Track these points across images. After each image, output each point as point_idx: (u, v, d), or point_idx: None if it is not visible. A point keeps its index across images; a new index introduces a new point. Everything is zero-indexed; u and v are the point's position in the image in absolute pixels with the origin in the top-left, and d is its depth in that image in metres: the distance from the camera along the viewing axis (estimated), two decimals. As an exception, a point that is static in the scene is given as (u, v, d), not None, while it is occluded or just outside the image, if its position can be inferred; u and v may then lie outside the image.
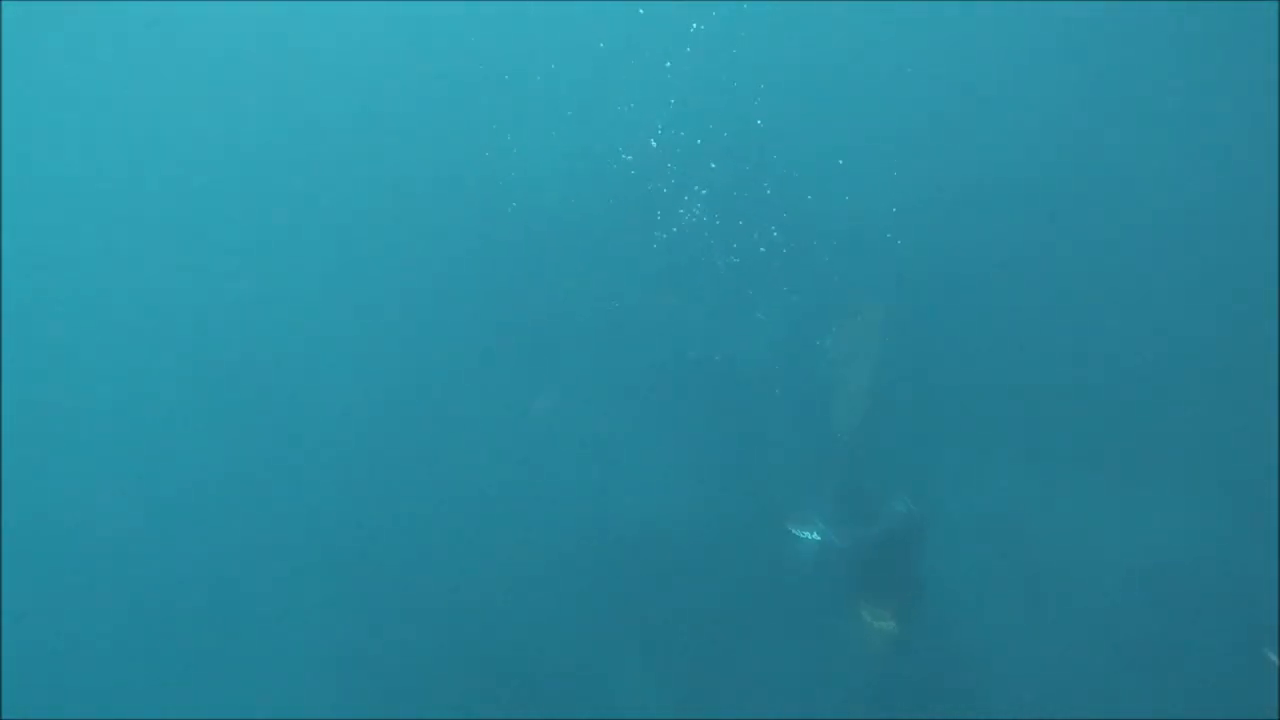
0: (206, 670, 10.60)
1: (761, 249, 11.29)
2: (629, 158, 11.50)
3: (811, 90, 11.62)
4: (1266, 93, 10.34)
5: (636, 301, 11.55)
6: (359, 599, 10.83)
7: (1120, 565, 9.92)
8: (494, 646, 10.53)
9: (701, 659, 10.32)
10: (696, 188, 11.26)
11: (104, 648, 10.78)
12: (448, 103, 12.09)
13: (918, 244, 11.22)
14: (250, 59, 11.94)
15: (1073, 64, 11.24)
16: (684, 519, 10.74)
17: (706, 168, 11.29)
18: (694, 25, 11.41)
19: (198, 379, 11.82)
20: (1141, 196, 11.06)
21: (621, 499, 10.98)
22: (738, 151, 11.35)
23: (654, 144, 11.37)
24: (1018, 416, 10.77)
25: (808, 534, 9.67)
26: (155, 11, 11.62)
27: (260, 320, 11.97)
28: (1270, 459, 9.79)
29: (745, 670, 10.17)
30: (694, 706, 10.11)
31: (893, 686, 9.76)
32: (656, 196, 11.32)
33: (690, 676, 10.25)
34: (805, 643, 10.11)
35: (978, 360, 10.87)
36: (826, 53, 11.69)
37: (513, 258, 11.80)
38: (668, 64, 11.46)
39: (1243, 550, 9.61)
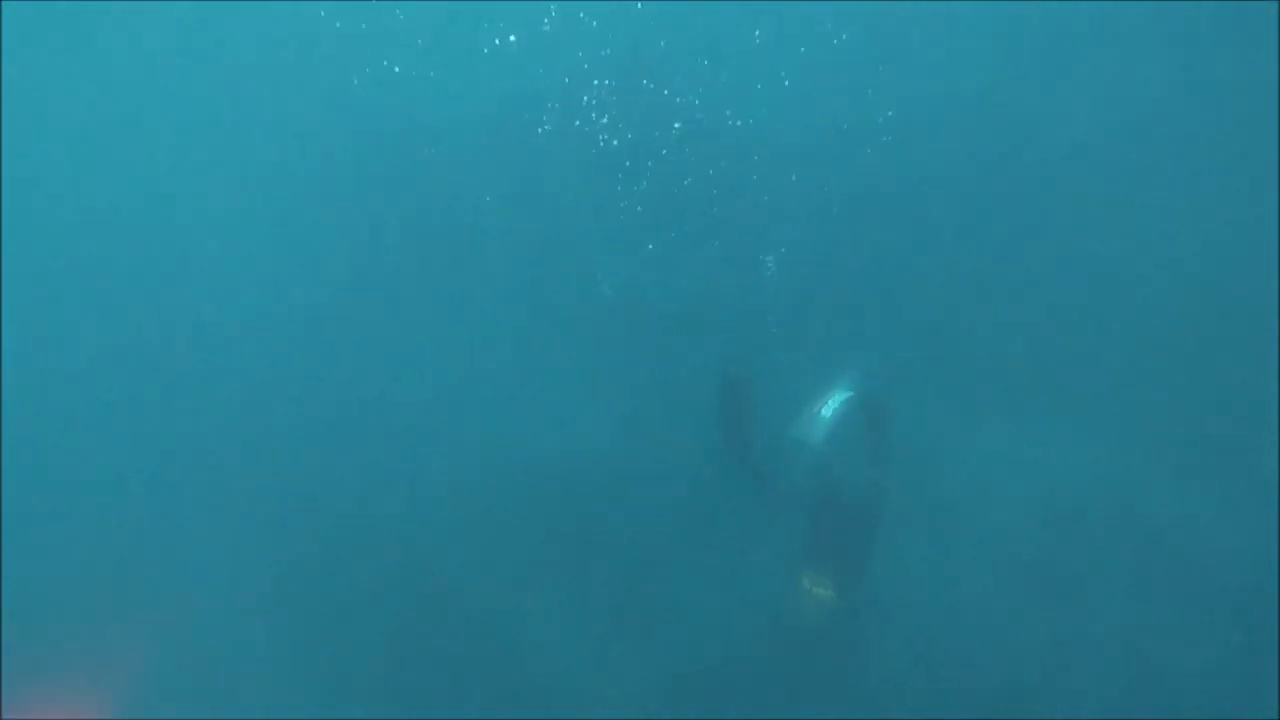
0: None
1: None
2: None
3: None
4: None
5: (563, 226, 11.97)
6: (290, 529, 11.44)
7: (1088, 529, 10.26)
8: (418, 576, 11.14)
9: (625, 591, 10.82)
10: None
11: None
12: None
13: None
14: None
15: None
16: (610, 453, 11.34)
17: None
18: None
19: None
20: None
21: (548, 431, 11.59)
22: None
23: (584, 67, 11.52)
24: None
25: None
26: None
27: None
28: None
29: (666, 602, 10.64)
30: (618, 639, 10.58)
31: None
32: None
33: (612, 608, 10.78)
34: (723, 575, 10.48)
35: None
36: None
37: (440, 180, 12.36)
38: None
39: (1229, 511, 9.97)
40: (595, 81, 11.68)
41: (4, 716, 9.61)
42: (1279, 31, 9.86)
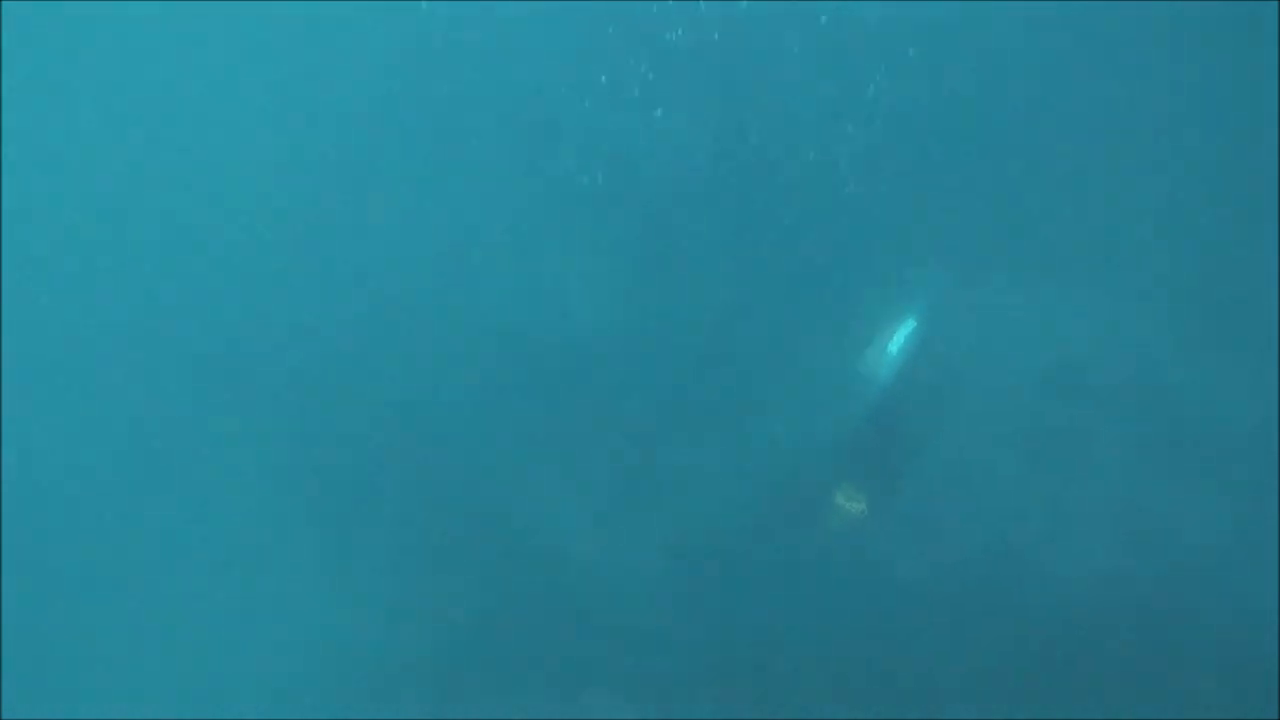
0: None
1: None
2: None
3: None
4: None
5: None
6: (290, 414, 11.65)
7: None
8: (421, 449, 11.54)
9: (628, 461, 11.21)
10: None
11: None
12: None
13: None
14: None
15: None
16: (612, 325, 11.51)
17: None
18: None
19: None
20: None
21: (550, 301, 11.78)
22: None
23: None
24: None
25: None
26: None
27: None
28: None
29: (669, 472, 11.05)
30: (620, 509, 11.05)
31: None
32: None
33: (614, 478, 11.21)
34: (725, 446, 10.69)
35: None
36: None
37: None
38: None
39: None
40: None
41: (4, 716, 9.69)
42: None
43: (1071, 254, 11.01)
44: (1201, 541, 9.74)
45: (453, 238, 12.25)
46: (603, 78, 11.40)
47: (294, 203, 12.28)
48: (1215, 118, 10.55)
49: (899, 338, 10.33)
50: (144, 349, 12.09)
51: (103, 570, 11.49)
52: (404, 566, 11.78)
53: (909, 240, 11.19)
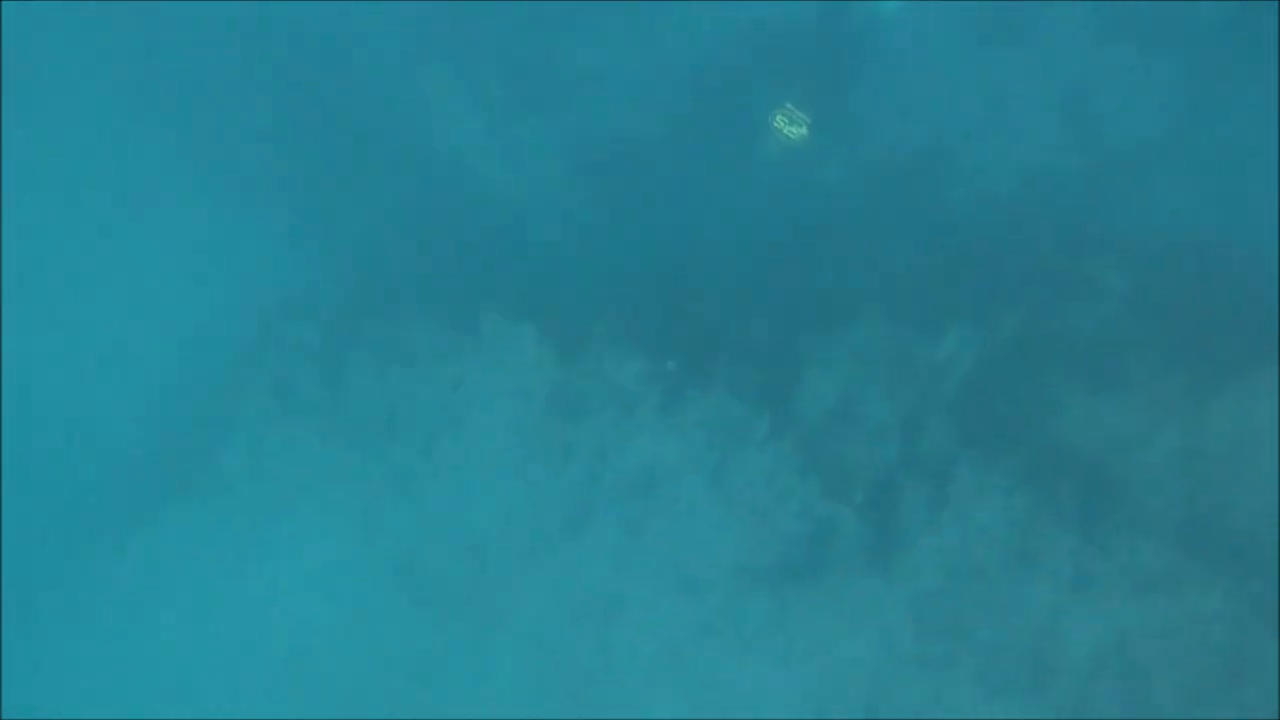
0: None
1: None
2: None
3: None
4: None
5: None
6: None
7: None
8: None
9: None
10: None
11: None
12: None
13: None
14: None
15: None
16: None
17: None
18: None
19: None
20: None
21: None
22: None
23: None
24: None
25: None
26: None
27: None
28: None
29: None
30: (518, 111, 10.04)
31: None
32: None
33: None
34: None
35: None
36: None
37: None
38: None
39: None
40: None
41: (4, 716, 9.45)
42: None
43: None
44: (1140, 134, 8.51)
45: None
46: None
47: None
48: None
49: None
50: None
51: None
52: (290, 186, 10.60)
53: None
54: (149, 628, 10.67)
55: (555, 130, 9.94)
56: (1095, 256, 8.59)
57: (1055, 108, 8.80)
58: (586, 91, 9.88)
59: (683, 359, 9.64)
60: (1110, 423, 8.16)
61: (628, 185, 10.00)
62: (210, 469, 10.93)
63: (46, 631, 10.85)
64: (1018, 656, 7.91)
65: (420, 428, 10.37)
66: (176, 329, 11.28)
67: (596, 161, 10.00)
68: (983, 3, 8.99)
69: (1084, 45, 8.59)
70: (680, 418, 9.49)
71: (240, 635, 10.56)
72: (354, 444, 10.70)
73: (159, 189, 11.31)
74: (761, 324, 9.54)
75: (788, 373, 9.25)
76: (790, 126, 9.68)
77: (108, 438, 11.26)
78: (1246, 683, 7.49)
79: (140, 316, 11.31)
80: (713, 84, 9.70)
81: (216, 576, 10.66)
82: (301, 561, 10.58)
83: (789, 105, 9.69)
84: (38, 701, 10.69)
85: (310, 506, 10.80)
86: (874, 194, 9.30)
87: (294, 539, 10.72)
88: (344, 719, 9.87)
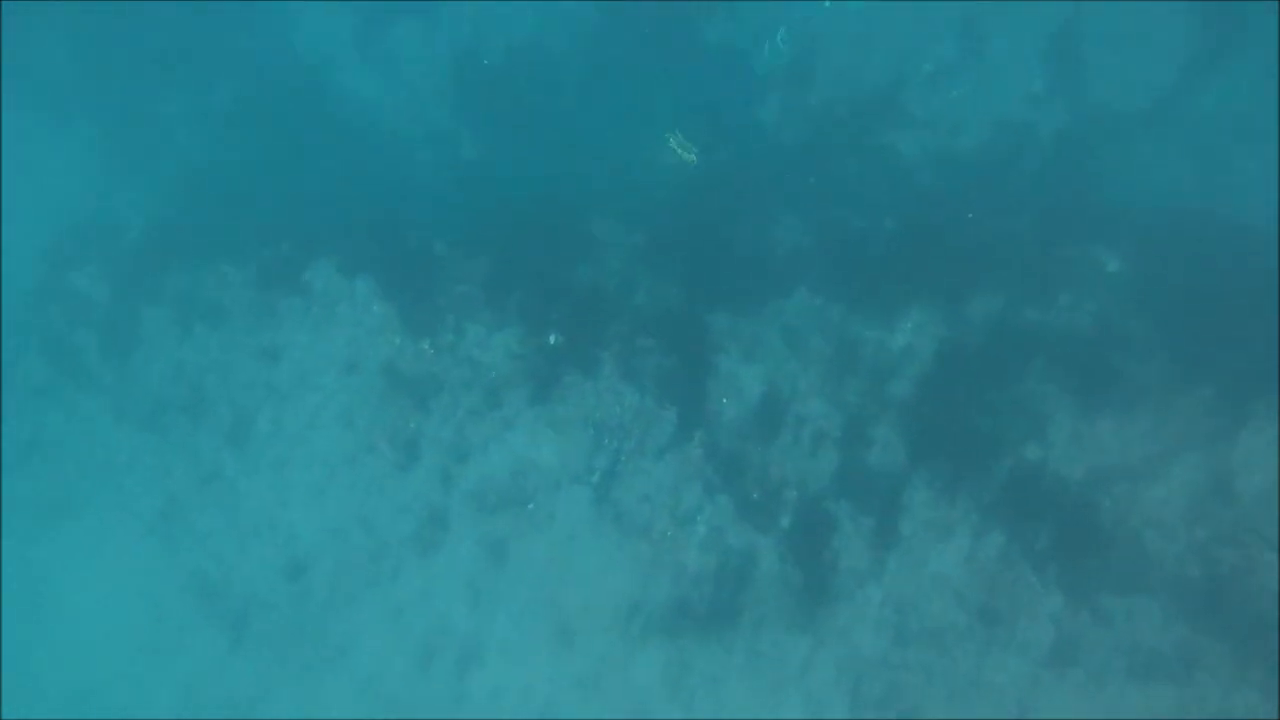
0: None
1: None
2: None
3: None
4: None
5: None
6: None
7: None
8: None
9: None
10: None
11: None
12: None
13: None
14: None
15: None
16: None
17: None
18: None
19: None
20: None
21: None
22: None
23: None
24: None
25: None
26: None
27: None
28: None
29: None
30: None
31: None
32: None
33: None
34: None
35: None
36: None
37: None
38: None
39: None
40: None
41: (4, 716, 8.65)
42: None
43: None
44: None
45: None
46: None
47: None
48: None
49: None
50: None
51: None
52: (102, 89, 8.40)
53: None
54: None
55: (438, 40, 7.52)
56: (1085, 231, 6.56)
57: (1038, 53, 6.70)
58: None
59: (566, 333, 7.44)
60: (1105, 447, 6.24)
61: (516, 114, 7.68)
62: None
63: None
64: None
65: (231, 410, 8.11)
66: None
67: (481, 81, 7.63)
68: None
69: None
70: (559, 409, 7.35)
71: (13, 660, 8.45)
72: (151, 425, 8.42)
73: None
74: (669, 293, 7.37)
75: (699, 357, 7.13)
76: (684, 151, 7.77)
77: None
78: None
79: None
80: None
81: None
82: (90, 568, 8.42)
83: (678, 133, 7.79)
84: None
85: (103, 500, 8.58)
86: (815, 140, 7.12)
87: (80, 539, 8.54)
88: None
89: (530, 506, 7.32)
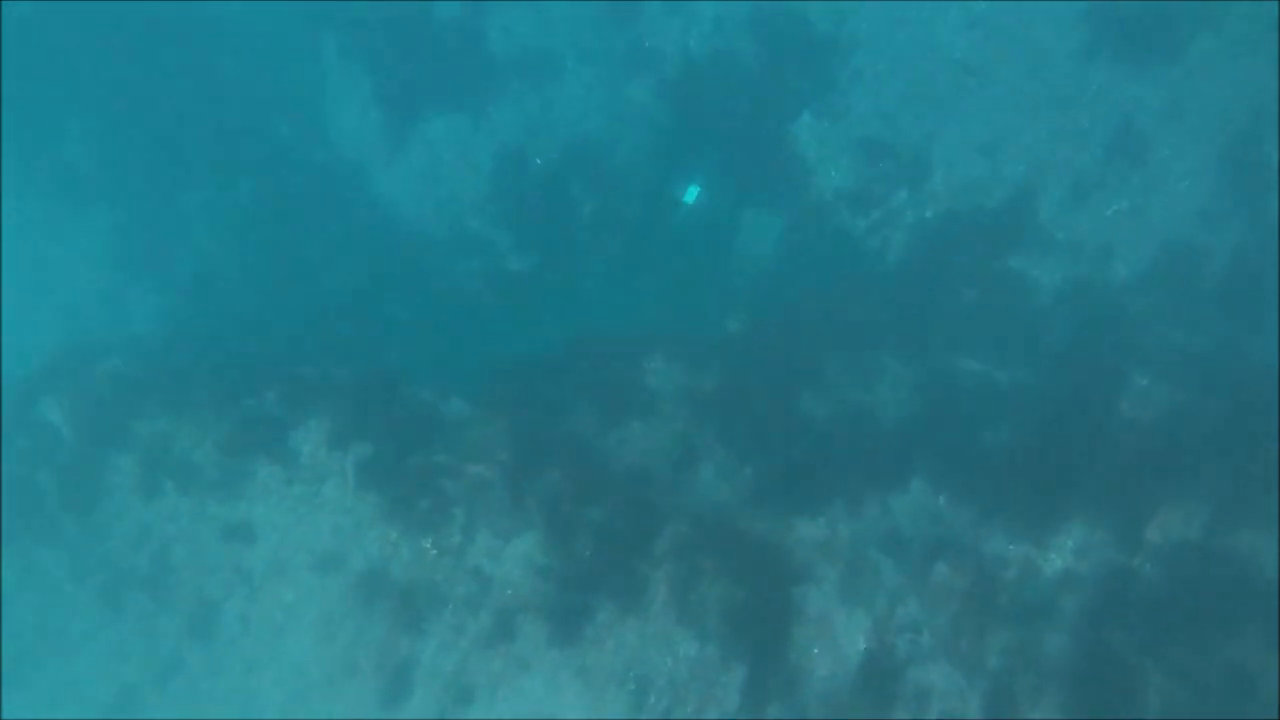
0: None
1: None
2: None
3: None
4: None
5: None
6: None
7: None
8: None
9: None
10: None
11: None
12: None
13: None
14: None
15: None
16: None
17: None
18: None
19: None
20: None
21: None
22: None
23: None
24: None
25: None
26: None
27: None
28: None
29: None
30: None
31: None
32: None
33: None
34: None
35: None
36: None
37: None
38: None
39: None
40: None
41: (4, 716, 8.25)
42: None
43: None
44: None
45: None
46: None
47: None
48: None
49: None
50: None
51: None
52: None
53: None
54: None
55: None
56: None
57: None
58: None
59: (602, 541, 5.70)
60: None
61: (566, 221, 6.16)
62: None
63: None
64: None
65: (196, 596, 6.63)
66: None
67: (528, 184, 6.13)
68: None
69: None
70: (590, 654, 5.60)
71: None
72: (110, 599, 7.01)
73: None
74: (741, 478, 5.62)
75: (778, 586, 5.30)
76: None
77: None
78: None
79: None
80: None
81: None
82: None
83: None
84: None
85: (55, 672, 7.21)
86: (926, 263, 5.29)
87: (26, 713, 7.20)
88: None
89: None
